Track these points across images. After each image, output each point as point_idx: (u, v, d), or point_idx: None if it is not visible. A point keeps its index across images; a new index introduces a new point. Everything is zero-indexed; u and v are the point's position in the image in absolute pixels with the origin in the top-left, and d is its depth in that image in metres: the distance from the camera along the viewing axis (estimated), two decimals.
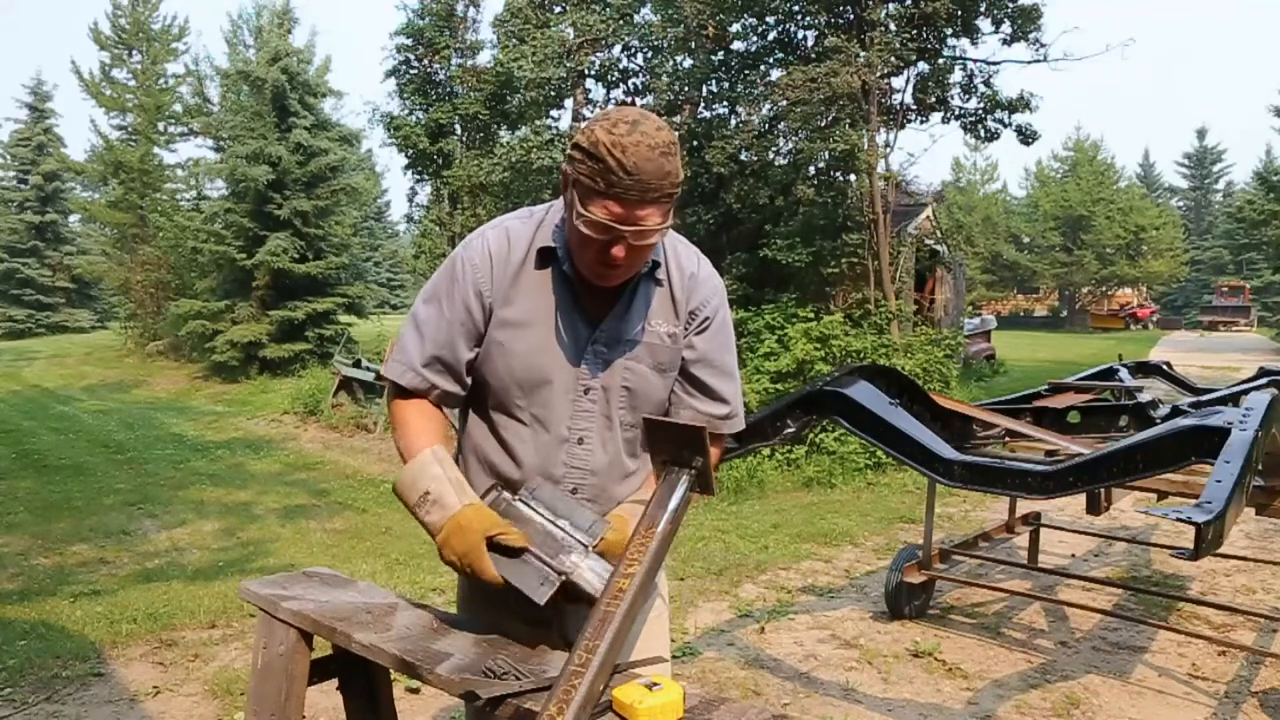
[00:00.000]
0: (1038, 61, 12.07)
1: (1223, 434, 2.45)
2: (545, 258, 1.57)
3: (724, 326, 1.68)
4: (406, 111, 18.04)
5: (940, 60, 12.22)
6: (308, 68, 21.31)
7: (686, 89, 13.34)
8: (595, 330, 1.58)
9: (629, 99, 15.03)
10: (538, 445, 1.60)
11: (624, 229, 1.41)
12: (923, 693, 3.66)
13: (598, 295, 1.57)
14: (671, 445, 1.41)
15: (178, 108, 26.82)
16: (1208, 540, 2.05)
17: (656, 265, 1.60)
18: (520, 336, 1.57)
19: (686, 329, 1.64)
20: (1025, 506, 5.23)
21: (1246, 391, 3.94)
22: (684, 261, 1.65)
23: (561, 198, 1.59)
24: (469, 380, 1.63)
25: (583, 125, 1.45)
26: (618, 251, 1.44)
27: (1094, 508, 3.80)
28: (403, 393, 1.62)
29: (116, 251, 25.89)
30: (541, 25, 15.09)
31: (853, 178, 12.22)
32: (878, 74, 11.04)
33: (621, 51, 14.66)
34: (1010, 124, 12.44)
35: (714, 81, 13.25)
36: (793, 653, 4.11)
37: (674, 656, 3.71)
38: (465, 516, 1.44)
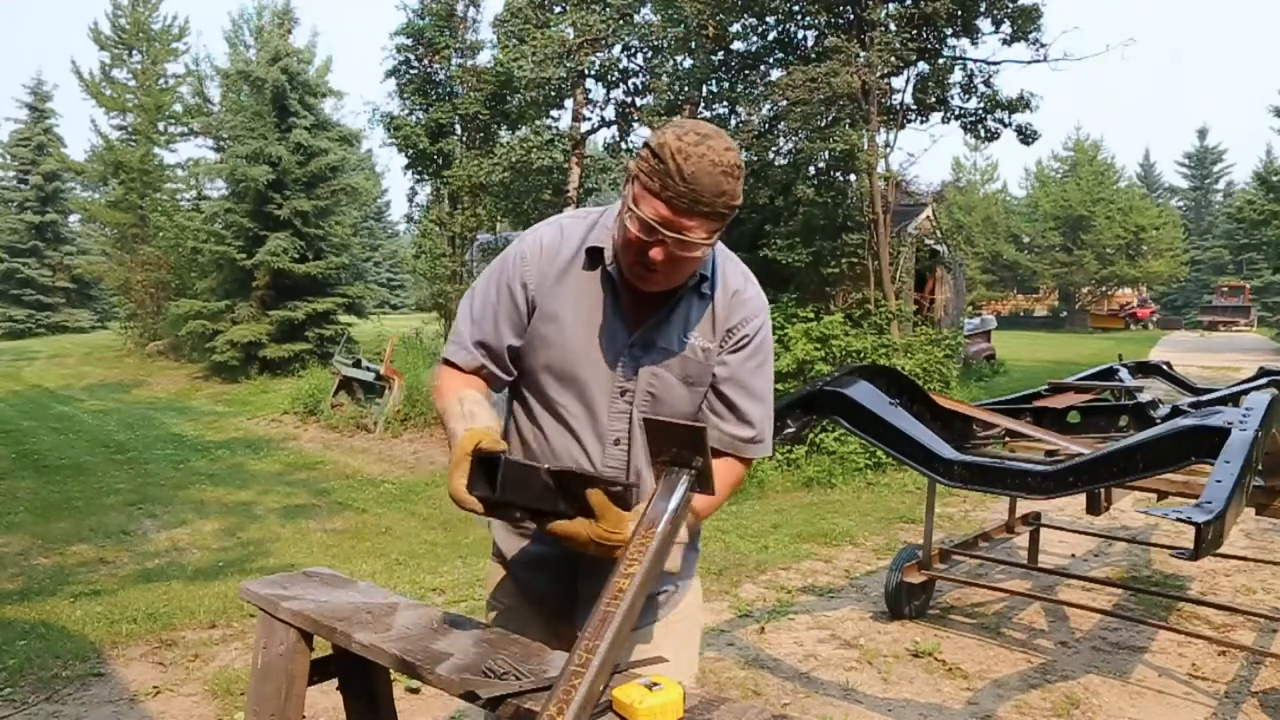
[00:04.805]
0: (1038, 61, 12.07)
1: (1223, 434, 2.45)
2: (594, 258, 1.59)
3: (760, 349, 1.67)
4: (406, 111, 18.03)
5: (940, 60, 12.22)
6: (308, 68, 21.33)
7: (686, 89, 13.32)
8: (633, 335, 1.59)
9: (629, 99, 15.04)
10: (579, 444, 1.62)
11: (666, 234, 1.42)
12: (923, 693, 3.66)
13: (641, 301, 1.58)
14: (672, 445, 1.41)
15: (178, 108, 26.88)
16: (1208, 540, 2.05)
17: (704, 279, 1.60)
18: (560, 331, 1.59)
19: (722, 346, 1.63)
20: (1025, 506, 5.23)
21: (1246, 391, 3.94)
22: (730, 279, 1.65)
23: (611, 205, 1.64)
24: (512, 369, 1.65)
25: (658, 127, 1.47)
26: (656, 254, 1.45)
27: (1094, 508, 3.80)
28: (453, 368, 1.66)
29: (116, 251, 25.89)
30: (541, 25, 15.08)
31: (853, 178, 12.22)
32: (878, 74, 11.04)
33: (621, 51, 14.65)
34: (1010, 124, 12.43)
35: (714, 81, 13.23)
36: (793, 653, 4.11)
37: None
38: (461, 438, 1.42)
